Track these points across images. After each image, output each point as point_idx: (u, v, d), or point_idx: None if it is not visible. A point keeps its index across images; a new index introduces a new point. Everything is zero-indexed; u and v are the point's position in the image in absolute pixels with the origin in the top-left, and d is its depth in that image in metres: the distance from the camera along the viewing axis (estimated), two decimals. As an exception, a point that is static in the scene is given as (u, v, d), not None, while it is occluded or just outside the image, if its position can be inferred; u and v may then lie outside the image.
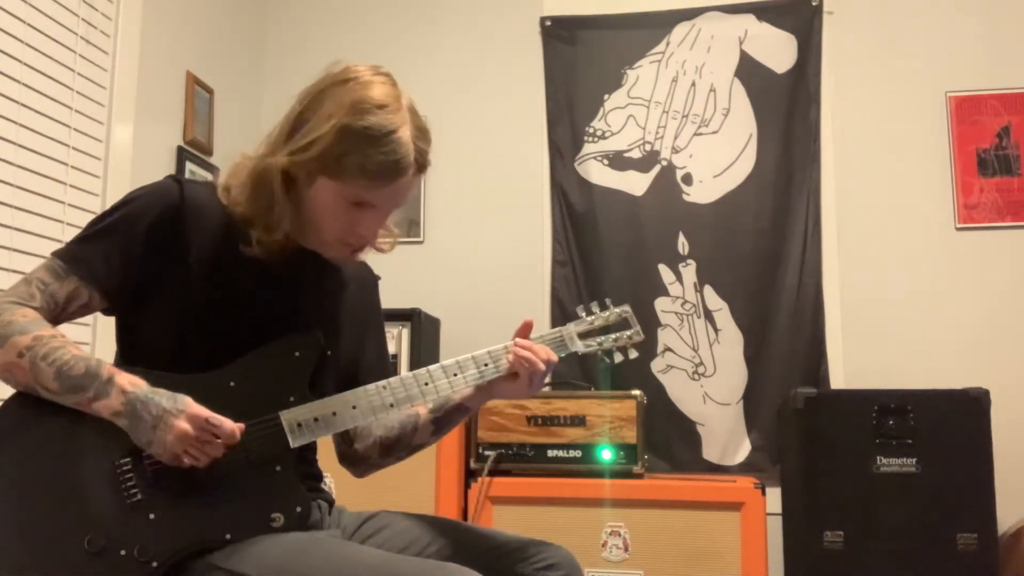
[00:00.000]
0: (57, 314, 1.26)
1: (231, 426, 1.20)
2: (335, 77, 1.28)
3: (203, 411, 1.19)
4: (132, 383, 1.19)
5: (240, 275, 1.32)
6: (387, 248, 1.43)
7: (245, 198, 1.29)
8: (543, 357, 1.37)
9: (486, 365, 1.38)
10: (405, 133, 1.24)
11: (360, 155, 1.22)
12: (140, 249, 1.27)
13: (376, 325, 1.55)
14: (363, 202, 1.27)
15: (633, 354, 1.52)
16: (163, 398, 1.18)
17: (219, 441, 1.19)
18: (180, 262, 1.29)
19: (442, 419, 1.48)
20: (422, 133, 1.28)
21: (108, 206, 1.33)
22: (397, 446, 1.49)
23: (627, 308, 1.51)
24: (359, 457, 1.51)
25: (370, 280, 1.55)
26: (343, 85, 1.26)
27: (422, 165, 1.29)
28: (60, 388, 1.18)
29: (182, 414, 1.17)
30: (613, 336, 1.49)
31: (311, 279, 1.39)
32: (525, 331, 1.42)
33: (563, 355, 1.45)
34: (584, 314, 1.49)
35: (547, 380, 3.20)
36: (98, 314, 2.28)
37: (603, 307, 1.50)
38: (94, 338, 2.38)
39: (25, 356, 1.17)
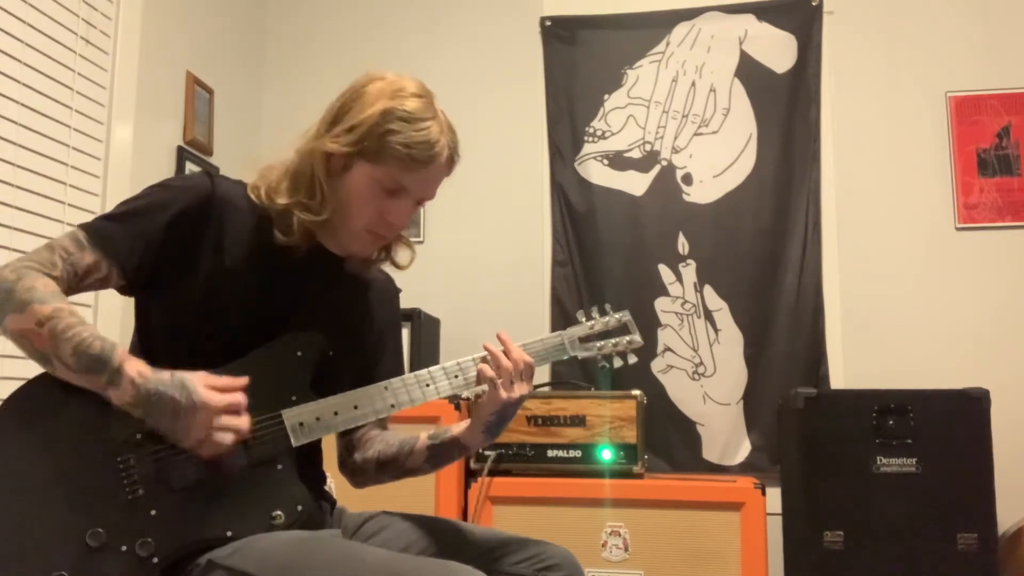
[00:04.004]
0: (75, 284, 1.27)
1: (243, 402, 1.22)
2: (369, 77, 1.36)
3: (217, 400, 1.19)
4: (139, 372, 1.19)
5: (261, 274, 1.33)
6: (405, 265, 1.48)
7: (285, 187, 1.34)
8: (504, 364, 1.35)
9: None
10: (438, 124, 1.33)
11: (401, 135, 1.29)
12: (161, 236, 1.29)
13: (394, 334, 1.56)
14: (398, 187, 1.32)
15: (632, 359, 1.53)
16: (172, 389, 1.18)
17: (240, 421, 1.20)
18: (201, 256, 1.31)
19: (438, 448, 1.46)
20: (451, 129, 1.37)
21: (108, 206, 1.35)
22: (392, 465, 1.48)
23: (627, 314, 1.53)
24: (357, 468, 1.51)
25: (391, 290, 1.56)
26: (379, 81, 1.34)
27: (452, 157, 1.36)
28: (76, 365, 1.18)
29: (196, 406, 1.17)
30: (613, 341, 1.51)
31: (329, 283, 1.41)
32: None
33: (563, 359, 1.48)
34: (584, 319, 1.51)
35: (547, 380, 3.20)
36: (99, 311, 2.27)
37: (603, 312, 1.52)
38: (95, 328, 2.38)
39: (45, 326, 1.18)
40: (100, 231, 1.28)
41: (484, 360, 1.37)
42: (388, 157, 1.29)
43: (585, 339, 1.49)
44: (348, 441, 1.51)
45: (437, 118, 1.33)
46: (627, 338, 1.51)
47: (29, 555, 1.13)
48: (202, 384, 1.19)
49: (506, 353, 1.36)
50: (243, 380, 1.23)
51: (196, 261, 1.30)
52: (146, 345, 1.33)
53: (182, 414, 1.17)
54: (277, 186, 1.34)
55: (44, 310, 1.18)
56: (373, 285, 1.50)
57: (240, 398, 1.21)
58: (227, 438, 1.19)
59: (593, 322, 1.50)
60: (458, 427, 1.45)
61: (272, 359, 1.30)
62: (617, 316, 1.52)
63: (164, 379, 1.19)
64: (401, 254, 1.47)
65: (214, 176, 1.36)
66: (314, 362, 1.32)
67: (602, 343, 1.49)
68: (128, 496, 1.19)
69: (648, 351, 3.11)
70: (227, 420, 1.19)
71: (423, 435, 1.48)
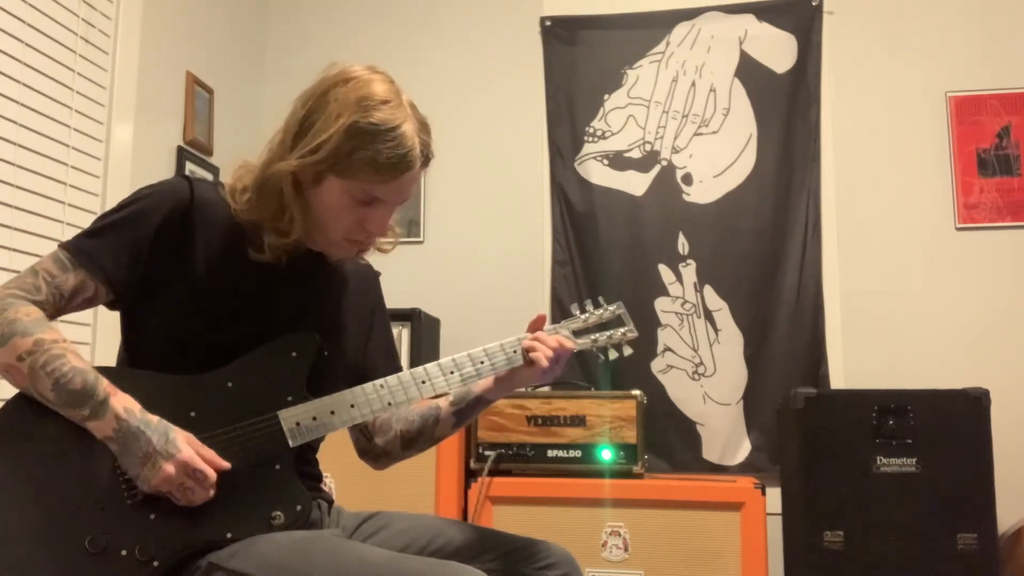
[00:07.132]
0: (62, 306, 1.26)
1: (214, 478, 1.20)
2: (335, 79, 1.29)
3: (193, 459, 1.18)
4: (126, 408, 1.18)
5: (243, 276, 1.33)
6: (388, 248, 1.45)
7: (252, 205, 1.31)
8: (553, 345, 1.41)
9: (482, 363, 1.41)
10: (410, 127, 1.27)
11: (370, 151, 1.24)
12: (148, 246, 1.28)
13: (380, 319, 1.56)
14: (371, 199, 1.29)
15: (628, 351, 1.54)
16: (154, 434, 1.17)
17: (202, 491, 1.19)
18: (186, 261, 1.29)
19: (464, 411, 1.50)
20: (424, 127, 1.31)
21: (108, 206, 1.34)
22: (419, 439, 1.51)
23: (620, 306, 1.53)
24: (380, 451, 1.52)
25: (370, 276, 1.57)
26: (344, 85, 1.27)
27: (427, 157, 1.32)
28: (57, 400, 1.17)
29: (171, 458, 1.17)
30: (607, 333, 1.50)
31: (313, 280, 1.40)
32: (538, 324, 1.46)
33: None
34: (578, 312, 1.51)
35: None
36: (99, 316, 2.27)
37: (597, 305, 1.52)
38: (94, 338, 2.37)
39: (25, 360, 1.17)
40: (82, 249, 1.26)
41: (484, 352, 1.40)
42: (358, 172, 1.25)
43: (580, 332, 1.50)
44: (363, 429, 1.52)
45: (407, 121, 1.26)
46: (622, 330, 1.51)
47: (29, 562, 1.13)
48: (184, 440, 1.19)
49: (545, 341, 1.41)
50: (225, 464, 1.21)
51: (181, 269, 1.29)
52: (134, 358, 1.32)
53: (153, 458, 1.16)
54: (247, 201, 1.31)
55: (25, 343, 1.17)
56: (352, 272, 1.50)
57: (212, 474, 1.19)
58: (181, 500, 1.18)
59: (587, 315, 1.50)
60: (479, 387, 1.48)
61: (267, 360, 1.30)
62: (611, 308, 1.52)
63: (150, 421, 1.19)
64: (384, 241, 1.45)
65: (192, 180, 1.34)
66: (309, 362, 1.32)
67: (596, 335, 1.50)
68: (127, 501, 1.19)
69: (648, 351, 3.11)
70: (191, 483, 1.18)
71: (442, 402, 1.50)
